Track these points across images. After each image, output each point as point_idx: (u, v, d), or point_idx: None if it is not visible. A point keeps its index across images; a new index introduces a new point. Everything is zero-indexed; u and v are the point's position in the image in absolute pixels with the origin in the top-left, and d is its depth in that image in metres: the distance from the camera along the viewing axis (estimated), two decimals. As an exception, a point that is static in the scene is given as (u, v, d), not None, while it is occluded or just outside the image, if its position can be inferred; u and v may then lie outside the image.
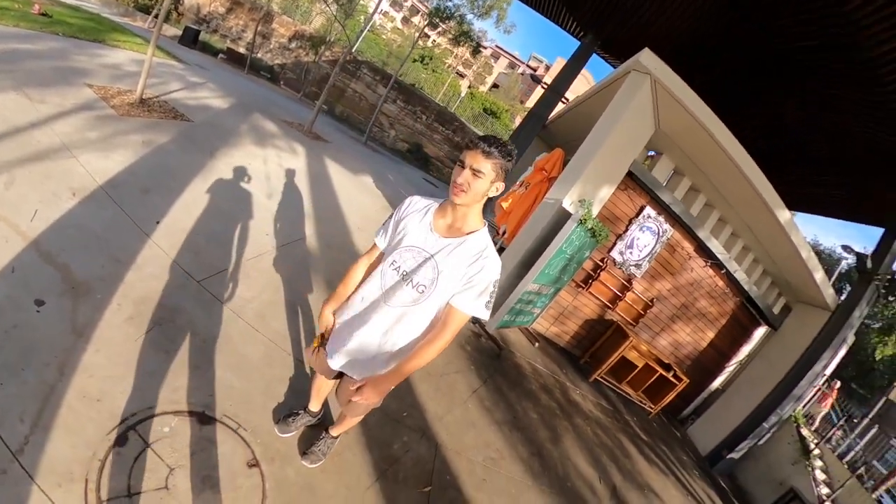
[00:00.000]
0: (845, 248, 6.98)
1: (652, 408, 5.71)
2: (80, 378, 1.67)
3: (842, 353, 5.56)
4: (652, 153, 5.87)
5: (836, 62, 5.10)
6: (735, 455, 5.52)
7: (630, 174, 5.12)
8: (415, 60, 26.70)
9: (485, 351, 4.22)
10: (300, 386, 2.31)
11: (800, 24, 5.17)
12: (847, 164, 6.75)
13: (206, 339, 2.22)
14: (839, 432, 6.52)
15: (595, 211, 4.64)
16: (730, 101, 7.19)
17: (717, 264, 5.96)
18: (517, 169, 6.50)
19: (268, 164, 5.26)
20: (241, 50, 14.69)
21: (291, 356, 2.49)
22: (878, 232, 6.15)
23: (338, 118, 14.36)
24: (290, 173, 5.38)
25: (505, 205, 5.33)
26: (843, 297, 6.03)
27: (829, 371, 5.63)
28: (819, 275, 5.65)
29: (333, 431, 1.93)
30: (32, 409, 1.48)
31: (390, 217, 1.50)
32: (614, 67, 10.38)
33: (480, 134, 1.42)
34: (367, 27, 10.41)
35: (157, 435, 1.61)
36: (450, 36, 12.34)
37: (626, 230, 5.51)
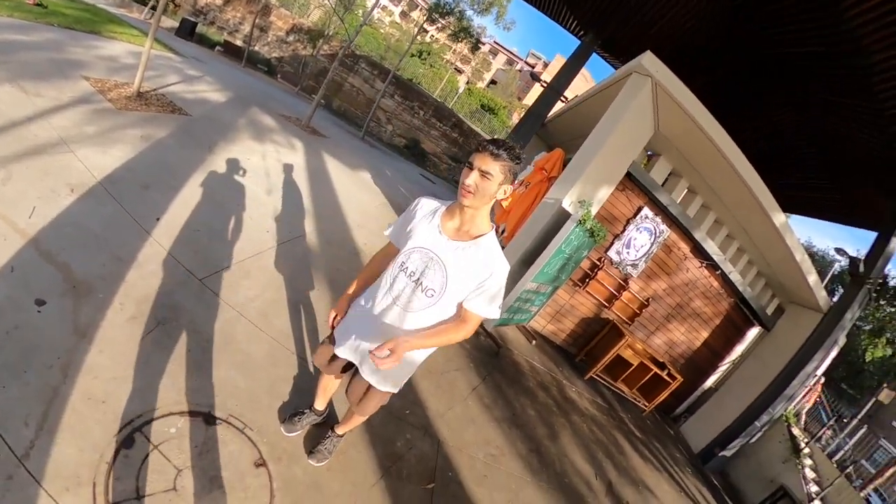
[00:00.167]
0: (839, 250, 7.07)
1: (646, 405, 5.79)
2: (84, 379, 1.66)
3: (833, 354, 5.65)
4: (650, 153, 5.90)
5: (838, 68, 5.15)
6: (727, 453, 5.62)
7: (628, 175, 5.15)
8: (413, 55, 26.52)
9: (484, 348, 4.25)
10: (305, 385, 2.31)
11: (801, 30, 5.21)
12: (845, 169, 6.83)
13: (209, 338, 2.21)
14: (829, 432, 6.64)
15: (594, 211, 4.67)
16: (731, 102, 7.24)
17: (712, 265, 6.03)
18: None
19: (266, 160, 5.23)
20: (239, 43, 14.52)
21: (295, 355, 2.49)
22: (870, 235, 6.25)
23: (335, 112, 14.26)
24: (288, 169, 5.34)
25: (505, 204, 5.34)
26: (835, 300, 6.12)
27: (820, 372, 5.73)
28: (812, 277, 5.74)
29: (339, 430, 1.94)
30: (37, 413, 1.47)
31: (400, 217, 1.54)
32: (614, 67, 10.41)
33: (488, 137, 1.44)
34: (366, 21, 10.32)
35: (163, 436, 1.61)
36: (449, 32, 12.27)
37: (624, 230, 5.55)
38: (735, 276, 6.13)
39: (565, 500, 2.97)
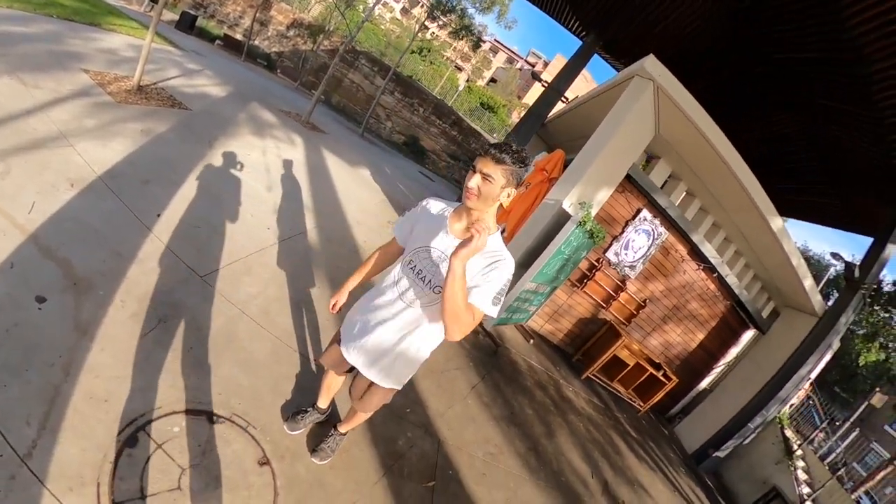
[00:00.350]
0: (834, 255, 7.13)
1: (641, 405, 5.83)
2: (86, 378, 1.65)
3: (827, 357, 5.71)
4: (649, 155, 5.92)
5: (839, 76, 5.18)
6: (720, 454, 5.67)
7: (628, 177, 5.17)
8: (413, 52, 26.40)
9: (482, 347, 4.27)
10: (307, 383, 2.32)
11: (803, 35, 5.23)
12: (845, 176, 6.87)
13: (211, 336, 2.21)
14: (821, 434, 6.72)
15: (593, 212, 4.69)
16: (733, 104, 7.26)
17: (709, 268, 6.07)
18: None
19: (267, 156, 5.20)
20: (239, 37, 14.38)
21: (297, 353, 2.49)
22: (866, 241, 6.30)
23: (334, 108, 14.19)
24: (288, 165, 5.32)
25: (505, 204, 5.34)
26: (830, 304, 6.18)
27: (814, 375, 5.79)
28: (808, 282, 5.79)
29: (342, 428, 1.95)
30: (38, 412, 1.45)
31: (407, 215, 1.56)
32: (615, 69, 10.41)
33: (493, 141, 1.44)
34: (368, 17, 10.26)
35: (167, 435, 1.61)
36: (450, 29, 12.21)
37: (623, 232, 5.58)
38: (731, 279, 6.18)
39: (563, 499, 3.00)
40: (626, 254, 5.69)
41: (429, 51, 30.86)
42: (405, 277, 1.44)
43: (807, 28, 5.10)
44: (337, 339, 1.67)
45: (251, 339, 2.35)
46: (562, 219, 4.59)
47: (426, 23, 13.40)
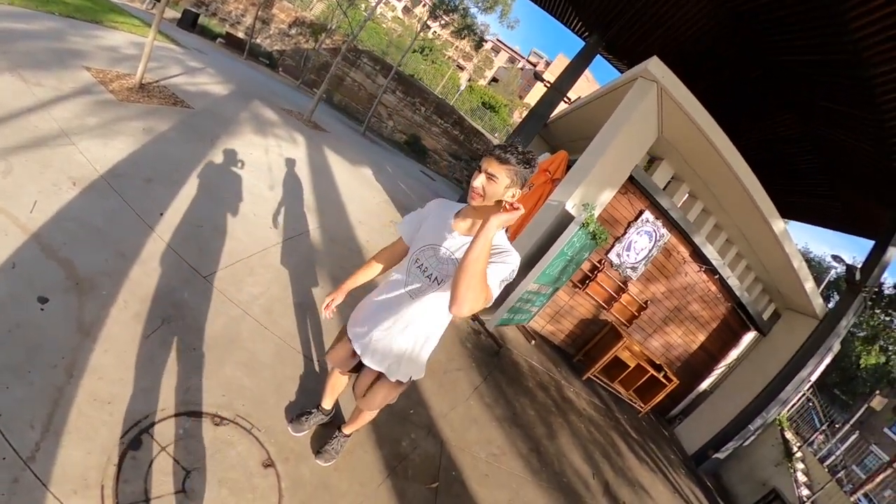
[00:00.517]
0: (835, 257, 7.14)
1: (642, 407, 5.83)
2: (90, 380, 1.64)
3: (827, 360, 5.71)
4: (651, 157, 5.91)
5: (841, 78, 5.17)
6: (720, 455, 5.68)
7: (631, 178, 5.16)
8: (415, 51, 26.37)
9: (484, 348, 4.26)
10: (311, 384, 2.31)
11: (805, 38, 5.22)
12: (847, 179, 6.86)
13: (214, 336, 2.20)
14: (821, 437, 6.73)
15: (596, 214, 4.68)
16: (734, 106, 7.25)
17: (710, 270, 6.07)
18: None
19: (269, 155, 5.19)
20: (240, 35, 14.37)
21: (301, 354, 2.49)
22: (867, 243, 6.31)
23: (336, 107, 14.18)
24: (290, 164, 5.31)
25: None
26: (830, 306, 6.18)
27: (814, 377, 5.79)
28: (809, 284, 5.79)
29: (346, 429, 1.95)
30: (42, 414, 1.44)
31: (413, 214, 1.58)
32: (618, 70, 10.39)
33: (495, 141, 1.43)
34: (370, 16, 10.23)
35: (171, 437, 1.60)
36: (452, 29, 12.19)
37: (625, 233, 5.57)
38: (733, 281, 6.18)
39: (565, 500, 3.00)
40: (628, 255, 5.68)
41: (430, 50, 30.84)
42: (412, 275, 1.46)
43: (809, 30, 5.09)
44: (343, 336, 1.67)
45: (254, 340, 2.34)
46: (565, 220, 4.59)
47: (428, 22, 13.38)
